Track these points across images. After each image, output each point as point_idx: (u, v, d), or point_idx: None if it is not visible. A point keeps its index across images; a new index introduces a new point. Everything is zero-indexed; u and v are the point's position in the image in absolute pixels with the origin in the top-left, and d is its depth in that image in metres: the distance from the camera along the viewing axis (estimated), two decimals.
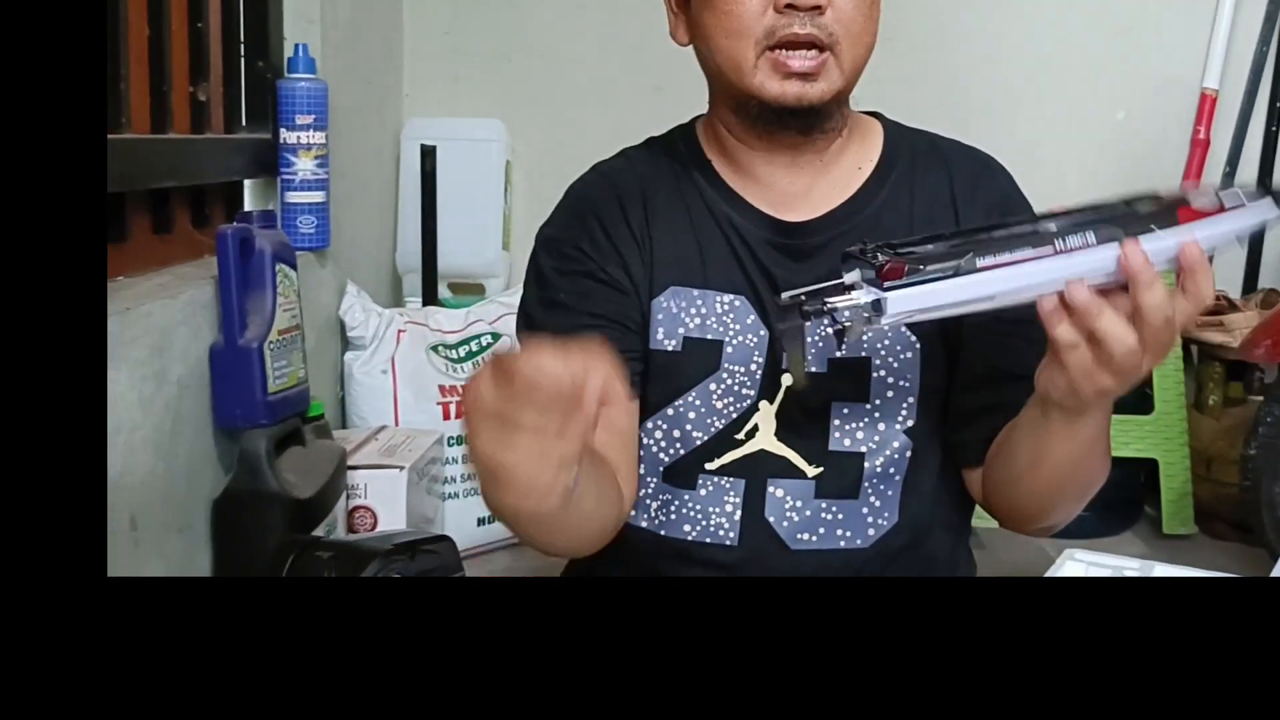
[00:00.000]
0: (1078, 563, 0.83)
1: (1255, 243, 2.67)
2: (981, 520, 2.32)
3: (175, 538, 1.49)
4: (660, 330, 1.04)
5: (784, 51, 0.95)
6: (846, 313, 0.80)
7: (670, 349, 1.04)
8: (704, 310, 1.04)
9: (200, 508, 1.56)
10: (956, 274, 0.77)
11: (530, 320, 1.07)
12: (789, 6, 0.94)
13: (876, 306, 0.78)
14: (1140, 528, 2.47)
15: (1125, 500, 2.48)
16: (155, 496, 1.42)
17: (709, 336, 1.03)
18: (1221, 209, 0.79)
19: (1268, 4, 2.61)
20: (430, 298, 2.47)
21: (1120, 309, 0.79)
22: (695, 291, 1.04)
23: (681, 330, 1.03)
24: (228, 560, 1.57)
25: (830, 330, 0.81)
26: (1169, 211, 0.79)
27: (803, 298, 0.81)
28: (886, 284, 0.77)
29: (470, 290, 2.59)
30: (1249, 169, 2.66)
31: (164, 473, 1.45)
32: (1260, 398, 2.29)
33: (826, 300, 0.81)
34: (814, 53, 0.95)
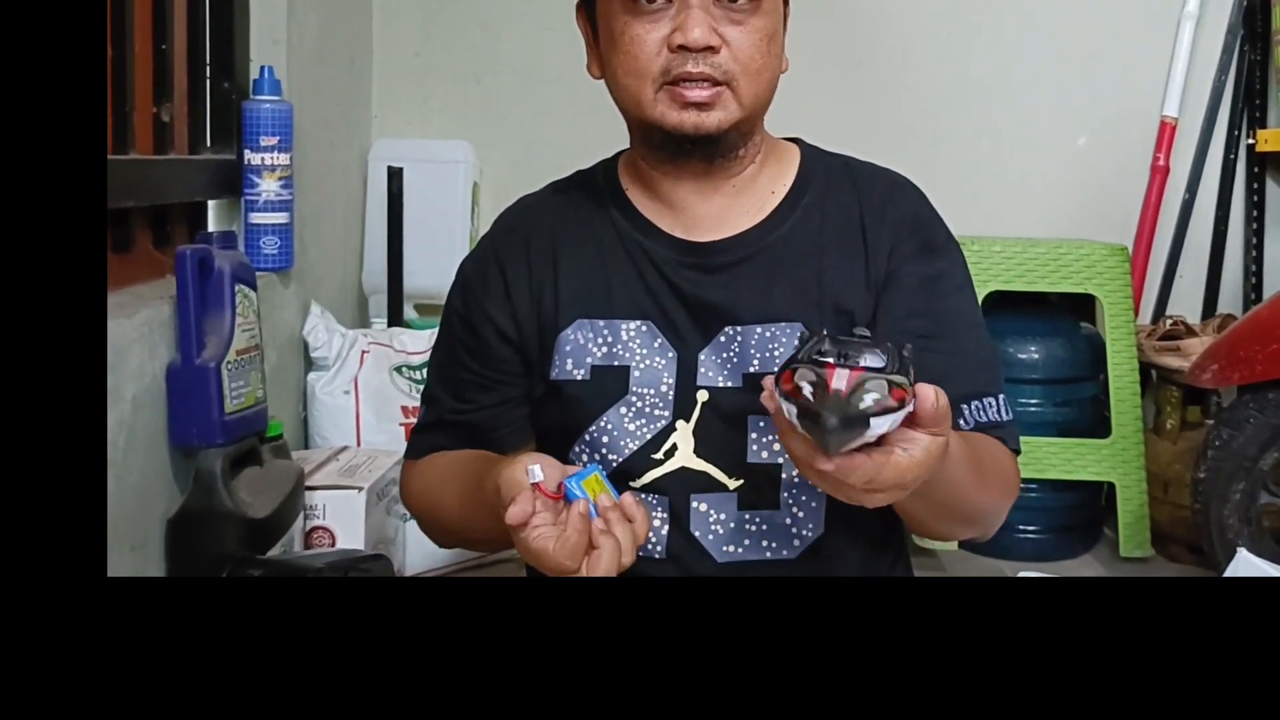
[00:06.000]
0: None
1: (1214, 269, 2.71)
2: (940, 544, 2.37)
3: (127, 555, 1.49)
4: (569, 361, 1.08)
5: (680, 85, 0.99)
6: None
7: (580, 378, 1.08)
8: (610, 339, 1.08)
9: (154, 526, 1.56)
10: None
11: (436, 359, 1.20)
12: (681, 48, 0.98)
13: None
14: (1099, 550, 2.50)
15: (1083, 523, 2.50)
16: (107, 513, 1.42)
17: (615, 363, 1.07)
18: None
19: (1225, 35, 2.66)
20: (396, 318, 2.48)
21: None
22: (601, 322, 1.08)
23: (589, 360, 1.08)
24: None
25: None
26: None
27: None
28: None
29: (436, 311, 2.59)
30: (1208, 196, 2.70)
31: (115, 489, 1.45)
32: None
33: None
34: (708, 85, 0.99)
